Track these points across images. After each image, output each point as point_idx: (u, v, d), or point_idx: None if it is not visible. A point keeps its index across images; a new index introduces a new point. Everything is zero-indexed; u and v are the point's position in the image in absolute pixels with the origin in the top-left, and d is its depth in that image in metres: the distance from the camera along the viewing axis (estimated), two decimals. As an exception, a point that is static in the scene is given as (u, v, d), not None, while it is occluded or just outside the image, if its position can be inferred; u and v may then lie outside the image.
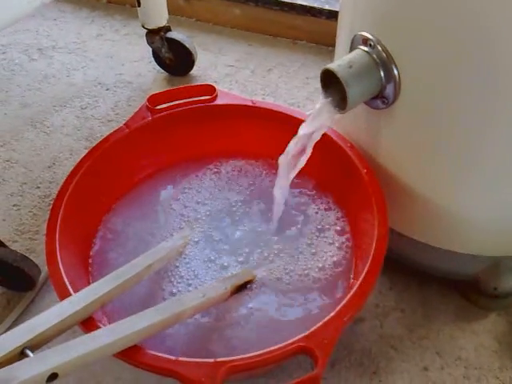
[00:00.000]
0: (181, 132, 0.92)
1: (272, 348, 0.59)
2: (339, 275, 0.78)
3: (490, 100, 0.62)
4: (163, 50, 1.30)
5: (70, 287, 0.66)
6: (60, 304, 0.62)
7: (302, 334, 0.60)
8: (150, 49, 1.33)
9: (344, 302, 0.64)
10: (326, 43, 1.41)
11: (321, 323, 0.62)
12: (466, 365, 0.79)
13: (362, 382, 0.77)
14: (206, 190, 0.90)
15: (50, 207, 0.76)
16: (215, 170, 0.94)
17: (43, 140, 1.18)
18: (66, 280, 0.67)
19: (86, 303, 0.62)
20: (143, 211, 0.88)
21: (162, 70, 1.37)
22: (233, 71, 1.37)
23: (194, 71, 1.36)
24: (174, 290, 0.77)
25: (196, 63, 1.34)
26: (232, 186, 0.91)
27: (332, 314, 0.63)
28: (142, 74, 1.37)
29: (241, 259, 0.80)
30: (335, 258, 0.79)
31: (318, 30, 1.41)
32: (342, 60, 0.69)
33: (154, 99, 0.91)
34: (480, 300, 0.84)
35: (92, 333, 0.59)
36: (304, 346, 0.59)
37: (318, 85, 0.72)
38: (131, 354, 0.60)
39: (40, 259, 0.89)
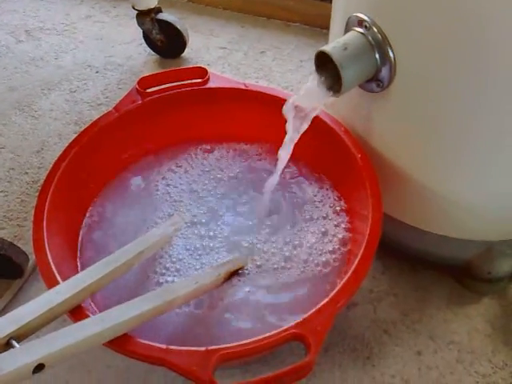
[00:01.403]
0: (172, 116, 0.91)
1: (264, 335, 0.59)
2: (336, 261, 0.77)
3: (485, 85, 0.61)
4: (154, 32, 1.28)
5: (57, 275, 0.65)
6: (47, 293, 0.61)
7: (295, 321, 0.60)
8: (141, 30, 1.31)
9: (337, 288, 0.63)
10: (319, 25, 1.39)
11: (314, 310, 0.61)
12: (459, 349, 0.79)
13: (356, 367, 0.77)
14: (198, 174, 0.89)
15: (38, 193, 0.74)
16: (206, 153, 0.92)
17: (31, 124, 1.17)
18: (53, 268, 0.66)
19: (74, 292, 0.61)
20: (132, 196, 0.86)
21: (153, 53, 1.35)
22: (225, 53, 1.35)
23: (186, 53, 1.34)
24: (161, 280, 0.76)
25: (188, 45, 1.33)
26: (224, 169, 0.90)
27: (325, 300, 0.62)
28: (132, 56, 1.35)
29: (231, 245, 0.80)
30: (333, 243, 0.78)
31: (312, 11, 1.39)
32: (336, 42, 0.67)
33: (145, 82, 0.89)
34: (473, 284, 0.84)
35: (80, 322, 0.58)
36: (297, 333, 0.59)
37: (312, 67, 0.71)
38: (121, 343, 0.59)
39: (28, 246, 0.87)
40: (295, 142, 0.77)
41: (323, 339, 0.58)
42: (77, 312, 0.62)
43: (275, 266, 0.76)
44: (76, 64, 1.33)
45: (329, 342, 0.79)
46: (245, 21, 1.46)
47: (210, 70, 0.91)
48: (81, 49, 1.38)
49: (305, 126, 0.75)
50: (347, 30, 0.70)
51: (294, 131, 0.76)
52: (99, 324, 0.58)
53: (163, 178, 0.89)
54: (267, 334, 0.59)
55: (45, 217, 0.71)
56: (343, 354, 0.78)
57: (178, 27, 1.28)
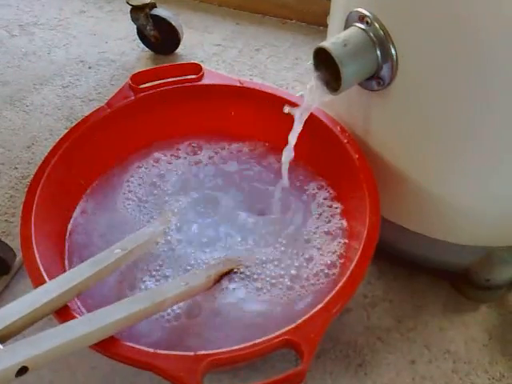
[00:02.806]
0: (165, 112, 0.89)
1: (256, 341, 0.57)
2: (331, 265, 0.75)
3: (490, 85, 0.60)
4: (148, 28, 1.27)
5: (44, 274, 0.63)
6: (33, 292, 0.59)
7: (288, 327, 0.58)
8: (135, 26, 1.30)
9: (332, 293, 0.62)
10: (316, 23, 1.38)
11: (307, 316, 0.59)
12: (454, 358, 0.77)
13: (348, 375, 0.75)
14: (192, 173, 0.88)
15: (26, 189, 0.72)
16: (199, 151, 0.91)
17: (22, 119, 1.15)
18: (40, 266, 0.64)
19: (61, 291, 0.59)
20: (121, 194, 0.84)
21: (147, 49, 1.34)
22: (220, 50, 1.34)
23: (180, 50, 1.33)
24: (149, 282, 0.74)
25: (182, 42, 1.31)
26: (217, 168, 0.89)
27: (319, 306, 0.60)
28: (125, 52, 1.34)
29: (223, 245, 0.78)
30: (329, 247, 0.76)
31: (309, 9, 1.38)
32: (336, 38, 0.65)
33: (138, 78, 0.87)
34: (471, 291, 0.82)
35: (66, 323, 0.57)
36: (290, 340, 0.57)
37: (308, 66, 0.69)
38: (107, 346, 0.58)
39: (16, 243, 0.86)
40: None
41: (317, 347, 0.57)
42: (63, 312, 0.60)
43: (267, 271, 0.74)
44: (69, 59, 1.31)
45: (320, 348, 0.77)
46: (240, 18, 1.45)
47: (204, 66, 0.90)
48: (74, 44, 1.36)
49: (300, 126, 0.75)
50: (347, 25, 0.68)
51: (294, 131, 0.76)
52: (86, 325, 0.56)
53: (153, 176, 0.87)
54: (259, 340, 0.57)
55: (33, 213, 0.70)
56: (335, 360, 0.77)
57: (173, 23, 1.26)
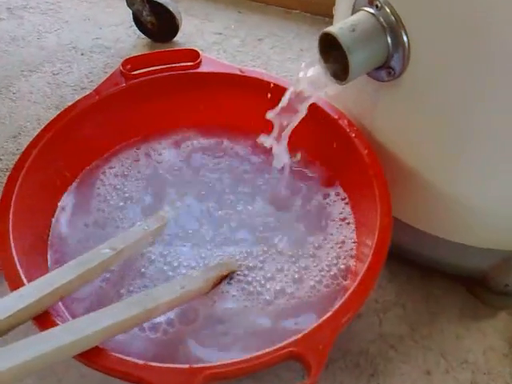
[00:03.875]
0: (158, 101, 0.85)
1: (257, 353, 0.53)
2: (340, 271, 0.70)
3: (504, 80, 0.56)
4: (144, 13, 1.21)
5: (23, 276, 0.59)
6: (9, 296, 0.55)
7: (294, 337, 0.54)
8: (131, 12, 1.25)
9: (342, 301, 0.57)
10: (321, 13, 1.34)
11: (315, 325, 0.55)
12: (473, 369, 0.73)
13: (358, 385, 0.71)
14: (185, 168, 0.83)
15: (4, 184, 0.68)
16: (195, 143, 0.86)
17: (8, 107, 1.10)
18: (18, 267, 0.60)
19: (41, 295, 0.56)
20: (107, 188, 0.80)
21: (143, 36, 1.29)
22: (220, 39, 1.29)
23: (178, 38, 1.28)
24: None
25: (180, 29, 1.26)
26: (213, 163, 0.84)
27: (328, 314, 0.56)
28: (120, 39, 1.29)
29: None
30: (337, 250, 0.72)
31: (313, -2, 1.34)
32: (343, 23, 0.61)
33: (130, 63, 0.84)
34: (488, 297, 0.77)
35: (46, 331, 0.53)
36: (295, 352, 0.53)
37: (313, 57, 0.66)
38: (92, 357, 0.53)
39: None
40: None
41: (325, 359, 0.52)
42: (43, 319, 0.56)
43: (271, 275, 0.70)
44: (60, 45, 1.26)
45: (329, 356, 0.72)
46: (243, 6, 1.40)
47: (202, 53, 0.85)
48: (66, 29, 1.31)
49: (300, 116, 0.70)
50: (355, 9, 0.64)
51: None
52: (69, 334, 0.52)
53: (146, 169, 0.82)
54: (260, 353, 0.53)
55: (11, 209, 0.65)
56: (345, 370, 0.72)
57: (171, 9, 1.21)
